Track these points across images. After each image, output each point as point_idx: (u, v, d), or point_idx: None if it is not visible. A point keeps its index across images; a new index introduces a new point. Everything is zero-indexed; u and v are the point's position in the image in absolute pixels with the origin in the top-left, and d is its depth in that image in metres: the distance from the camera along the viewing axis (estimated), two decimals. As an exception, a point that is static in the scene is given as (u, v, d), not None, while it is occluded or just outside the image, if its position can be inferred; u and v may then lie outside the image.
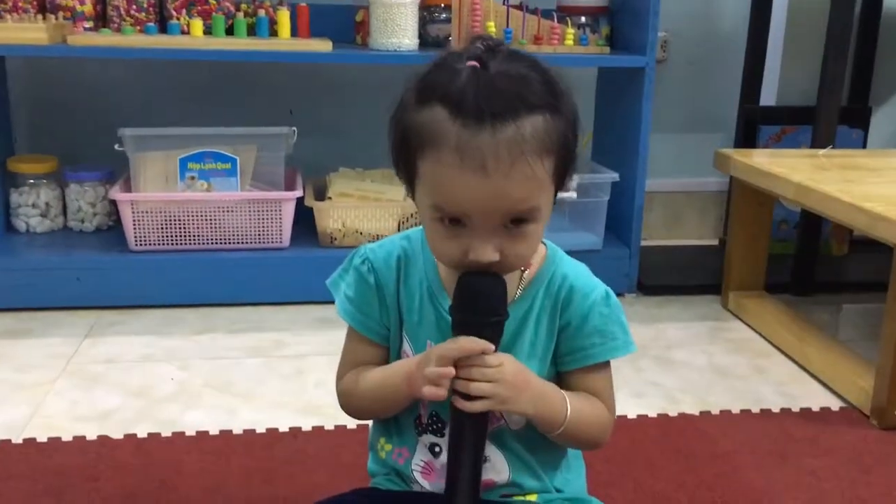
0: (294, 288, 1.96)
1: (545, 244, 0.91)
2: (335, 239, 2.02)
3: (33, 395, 1.53)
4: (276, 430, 1.42)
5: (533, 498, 0.91)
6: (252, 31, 2.00)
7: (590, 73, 2.30)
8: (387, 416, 0.93)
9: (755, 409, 1.55)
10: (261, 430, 1.42)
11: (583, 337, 0.87)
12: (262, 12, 2.01)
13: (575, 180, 2.02)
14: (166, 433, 1.40)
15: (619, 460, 1.34)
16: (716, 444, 1.42)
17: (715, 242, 2.54)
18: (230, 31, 1.97)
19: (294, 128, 2.03)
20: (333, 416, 1.43)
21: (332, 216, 2.00)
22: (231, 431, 1.42)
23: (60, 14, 1.96)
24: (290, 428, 1.43)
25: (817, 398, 1.61)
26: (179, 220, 1.95)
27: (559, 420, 0.84)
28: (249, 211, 1.97)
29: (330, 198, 2.02)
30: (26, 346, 1.73)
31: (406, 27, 1.94)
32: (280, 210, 1.97)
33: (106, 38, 1.89)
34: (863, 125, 2.41)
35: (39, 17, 1.91)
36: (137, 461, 1.31)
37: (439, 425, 0.89)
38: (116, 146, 1.92)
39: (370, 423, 0.98)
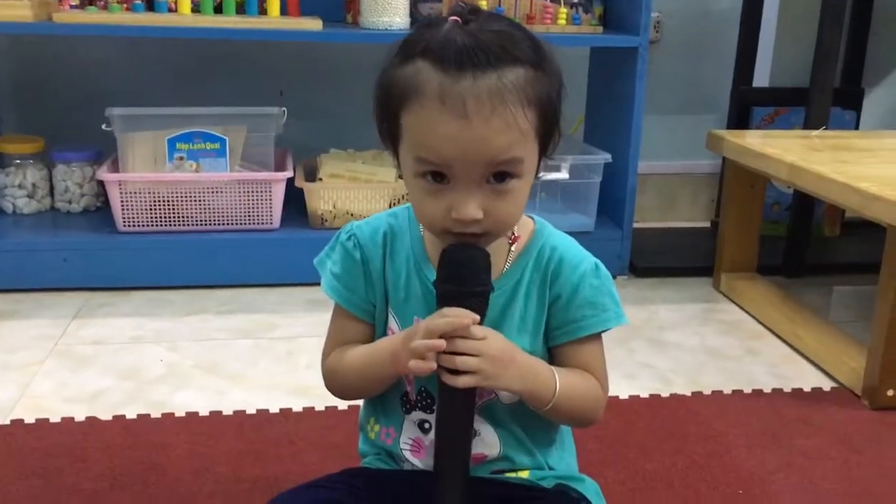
0: (284, 269, 1.95)
1: (533, 219, 0.90)
2: (326, 220, 2.00)
3: (21, 376, 1.52)
4: (266, 411, 1.42)
5: (525, 474, 0.90)
6: (241, 9, 1.97)
7: (582, 54, 2.29)
8: (371, 395, 0.92)
9: (747, 390, 1.55)
10: (251, 411, 1.41)
11: (574, 309, 0.87)
12: (251, -10, 1.99)
13: (567, 161, 2.01)
14: (155, 414, 1.39)
15: (611, 440, 1.34)
16: (708, 425, 1.42)
17: (707, 224, 2.53)
18: (219, 10, 1.95)
19: (284, 108, 2.01)
20: (324, 398, 1.41)
21: (323, 197, 1.99)
22: (221, 413, 1.41)
23: (46, -9, 1.93)
24: (281, 409, 1.42)
25: (809, 379, 1.61)
26: (168, 201, 1.93)
27: (548, 395, 0.84)
28: (239, 192, 1.95)
29: (320, 179, 2.01)
30: (14, 327, 1.72)
31: (397, 5, 1.92)
32: (270, 191, 1.95)
33: (92, 16, 1.86)
34: (855, 107, 2.41)
35: (24, -6, 1.88)
36: (126, 442, 1.30)
37: (429, 401, 0.88)
38: (104, 126, 1.90)
39: (360, 403, 0.97)
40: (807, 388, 1.57)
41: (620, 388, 1.52)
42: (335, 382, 0.92)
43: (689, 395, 1.52)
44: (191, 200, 1.94)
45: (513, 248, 0.88)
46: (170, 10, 1.93)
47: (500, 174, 0.77)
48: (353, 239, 0.90)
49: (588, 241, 0.92)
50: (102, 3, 1.97)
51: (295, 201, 2.00)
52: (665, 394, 1.52)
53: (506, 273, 0.87)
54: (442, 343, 0.77)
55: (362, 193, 2.00)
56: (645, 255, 2.17)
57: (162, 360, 1.60)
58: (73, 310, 1.80)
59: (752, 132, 2.20)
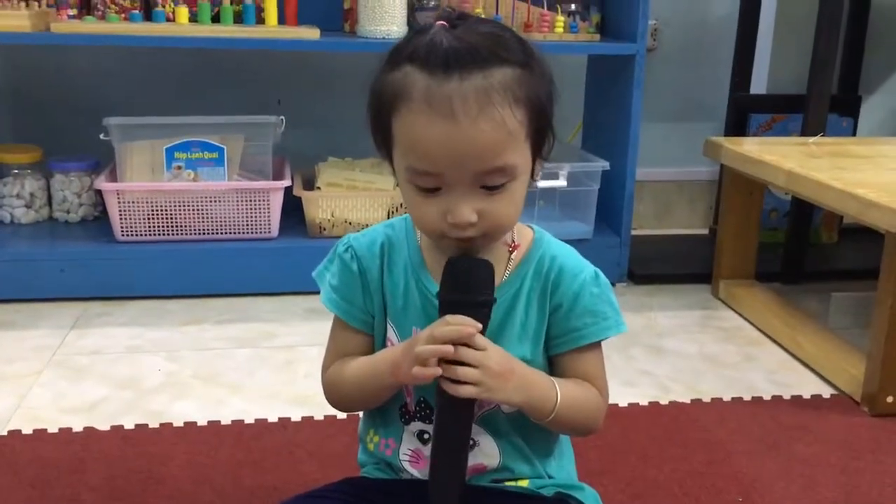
0: (283, 278, 1.94)
1: (532, 228, 0.90)
2: (324, 229, 2.00)
3: (18, 386, 1.51)
4: (265, 420, 1.41)
5: (524, 483, 0.90)
6: (239, 18, 1.98)
7: (580, 61, 2.29)
8: (371, 407, 0.92)
9: (746, 397, 1.55)
10: (249, 420, 1.41)
11: (574, 317, 0.86)
12: (248, 0, 1.99)
13: (565, 169, 2.01)
14: (154, 424, 1.39)
15: (611, 448, 1.34)
16: (707, 432, 1.41)
17: (705, 232, 2.53)
18: (216, 19, 1.95)
19: (282, 117, 2.01)
20: (323, 407, 1.41)
21: (321, 206, 1.99)
22: (219, 422, 1.40)
23: (44, 1, 1.93)
24: (280, 418, 1.42)
25: (808, 386, 1.61)
26: (166, 210, 1.92)
27: (549, 407, 0.83)
28: (237, 201, 1.95)
29: (319, 187, 2.01)
30: (11, 337, 1.71)
31: (394, 14, 1.92)
32: (268, 200, 1.95)
33: (90, 26, 1.86)
34: (852, 114, 2.41)
35: (22, 4, 1.89)
36: (124, 453, 1.30)
37: (428, 412, 0.88)
38: (102, 136, 1.90)
39: (360, 414, 0.97)
40: (806, 395, 1.57)
41: (619, 395, 1.52)
42: (336, 395, 0.92)
43: (689, 402, 1.52)
44: (189, 210, 1.93)
45: (513, 257, 0.87)
46: (167, 20, 1.93)
47: (493, 175, 0.77)
48: (350, 251, 0.90)
49: (586, 249, 0.92)
50: (100, 12, 1.97)
51: (293, 210, 2.00)
52: (664, 401, 1.52)
53: (506, 281, 0.87)
54: (449, 349, 0.77)
55: (360, 202, 2.00)
56: (643, 263, 2.17)
57: (160, 370, 1.59)
58: (70, 320, 1.80)
59: (750, 139, 2.20)
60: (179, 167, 1.94)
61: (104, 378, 1.55)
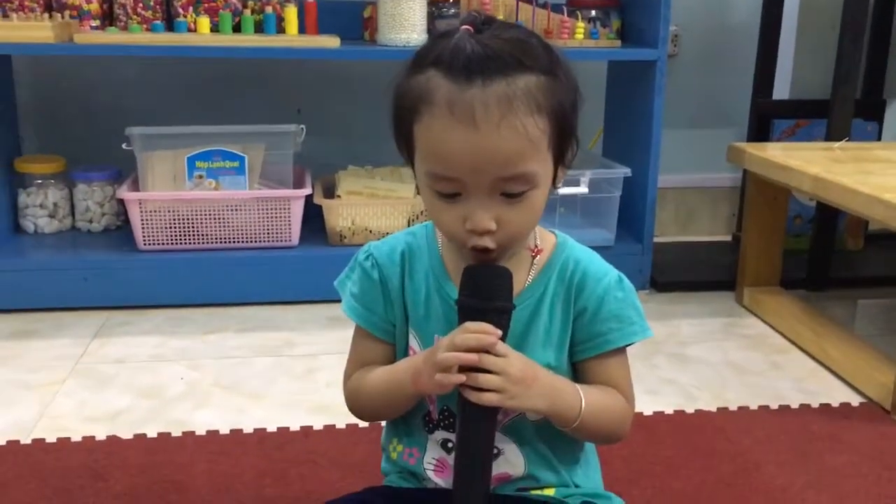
0: (303, 287, 1.94)
1: (555, 233, 0.89)
2: (344, 237, 2.00)
3: (42, 395, 1.52)
4: (287, 429, 1.41)
5: (550, 492, 0.89)
6: (259, 28, 1.99)
7: (600, 68, 2.28)
8: (394, 417, 0.91)
9: (773, 406, 1.53)
10: (271, 429, 1.41)
11: (599, 322, 0.85)
12: (269, 9, 2.00)
13: (587, 176, 2.00)
14: (176, 433, 1.39)
15: (637, 458, 1.32)
16: (734, 442, 1.39)
17: (728, 238, 2.51)
18: (237, 29, 1.96)
19: (302, 126, 2.01)
20: (345, 415, 1.39)
21: (342, 214, 1.99)
22: (241, 431, 1.40)
23: (67, 13, 1.95)
24: (302, 427, 1.41)
25: (836, 394, 1.59)
26: (188, 220, 1.93)
27: (573, 414, 0.82)
28: (258, 209, 1.95)
29: (339, 196, 2.01)
30: (35, 346, 1.72)
31: (414, 22, 1.92)
32: (289, 208, 1.95)
33: (113, 37, 1.88)
34: (877, 118, 2.38)
35: (46, 15, 1.90)
36: (147, 461, 1.30)
37: (451, 420, 0.87)
38: (124, 145, 1.91)
39: (383, 424, 0.96)
40: (835, 404, 1.54)
41: (644, 404, 1.50)
42: (357, 404, 0.91)
43: (715, 410, 1.50)
44: (210, 218, 1.94)
45: (535, 261, 0.87)
46: (189, 30, 1.94)
47: (513, 183, 0.76)
48: (371, 259, 0.89)
49: (608, 256, 0.91)
50: (122, 23, 1.99)
51: (314, 218, 2.00)
52: (689, 409, 1.50)
53: (529, 286, 0.86)
54: (473, 356, 0.76)
55: (381, 210, 1.99)
56: (665, 270, 2.16)
57: (182, 379, 1.60)
58: (93, 329, 1.81)
59: (774, 144, 2.18)
60: (201, 176, 1.94)
61: (127, 387, 1.56)
